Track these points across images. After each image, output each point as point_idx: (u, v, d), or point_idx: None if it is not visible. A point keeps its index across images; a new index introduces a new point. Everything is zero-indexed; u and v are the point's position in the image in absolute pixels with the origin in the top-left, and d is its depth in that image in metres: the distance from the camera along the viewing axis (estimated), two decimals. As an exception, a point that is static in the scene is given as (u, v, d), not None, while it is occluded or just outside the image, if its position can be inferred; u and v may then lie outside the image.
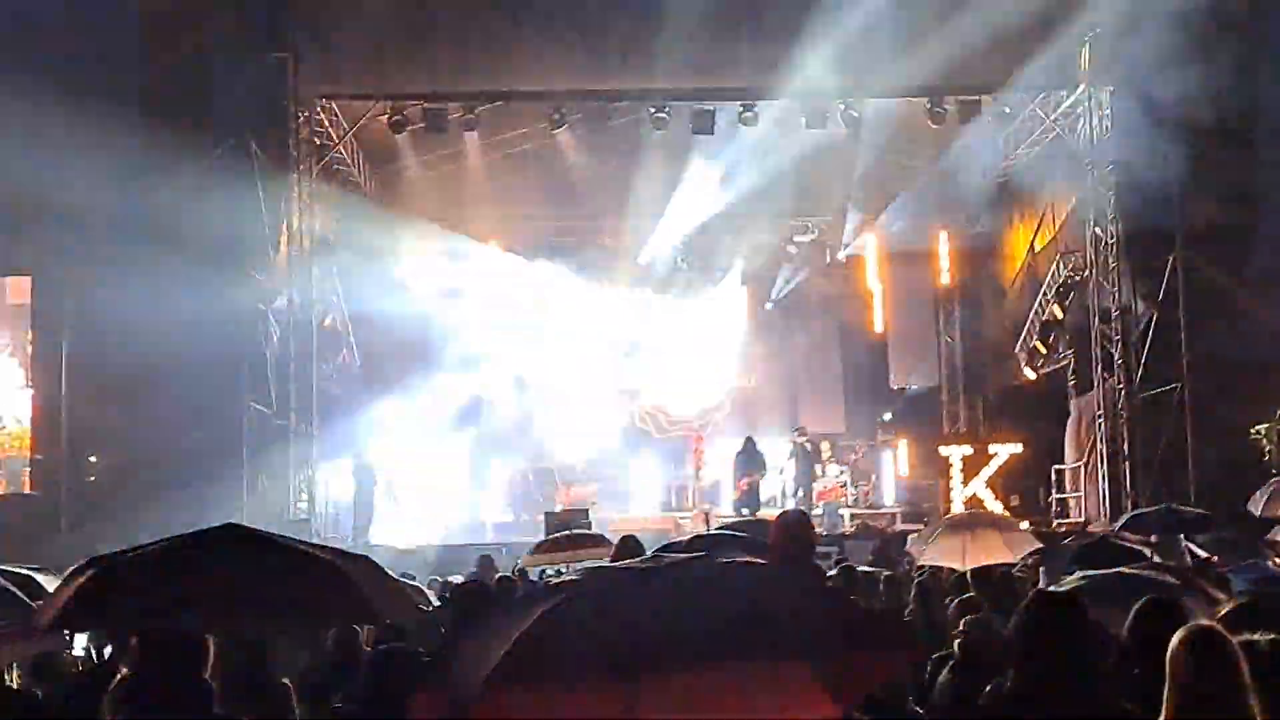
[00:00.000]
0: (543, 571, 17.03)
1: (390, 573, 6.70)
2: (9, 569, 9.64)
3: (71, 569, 5.98)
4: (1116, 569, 8.31)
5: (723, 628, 3.68)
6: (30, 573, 9.56)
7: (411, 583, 13.52)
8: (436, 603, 13.35)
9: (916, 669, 8.66)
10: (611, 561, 9.19)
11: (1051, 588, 7.52)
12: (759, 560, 4.87)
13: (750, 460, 27.69)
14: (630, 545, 9.97)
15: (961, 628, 8.89)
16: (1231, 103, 23.43)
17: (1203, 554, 13.77)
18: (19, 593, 7.89)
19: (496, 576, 14.86)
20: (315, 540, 14.80)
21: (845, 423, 33.60)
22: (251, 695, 6.99)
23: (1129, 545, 10.68)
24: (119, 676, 6.05)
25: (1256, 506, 16.84)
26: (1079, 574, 8.74)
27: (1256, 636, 5.42)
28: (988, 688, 7.22)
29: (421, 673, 6.45)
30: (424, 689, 4.12)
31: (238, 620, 5.86)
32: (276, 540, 6.51)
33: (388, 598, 6.24)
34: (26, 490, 24.15)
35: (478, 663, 3.78)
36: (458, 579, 17.53)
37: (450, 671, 4.03)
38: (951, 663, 8.75)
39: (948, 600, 10.82)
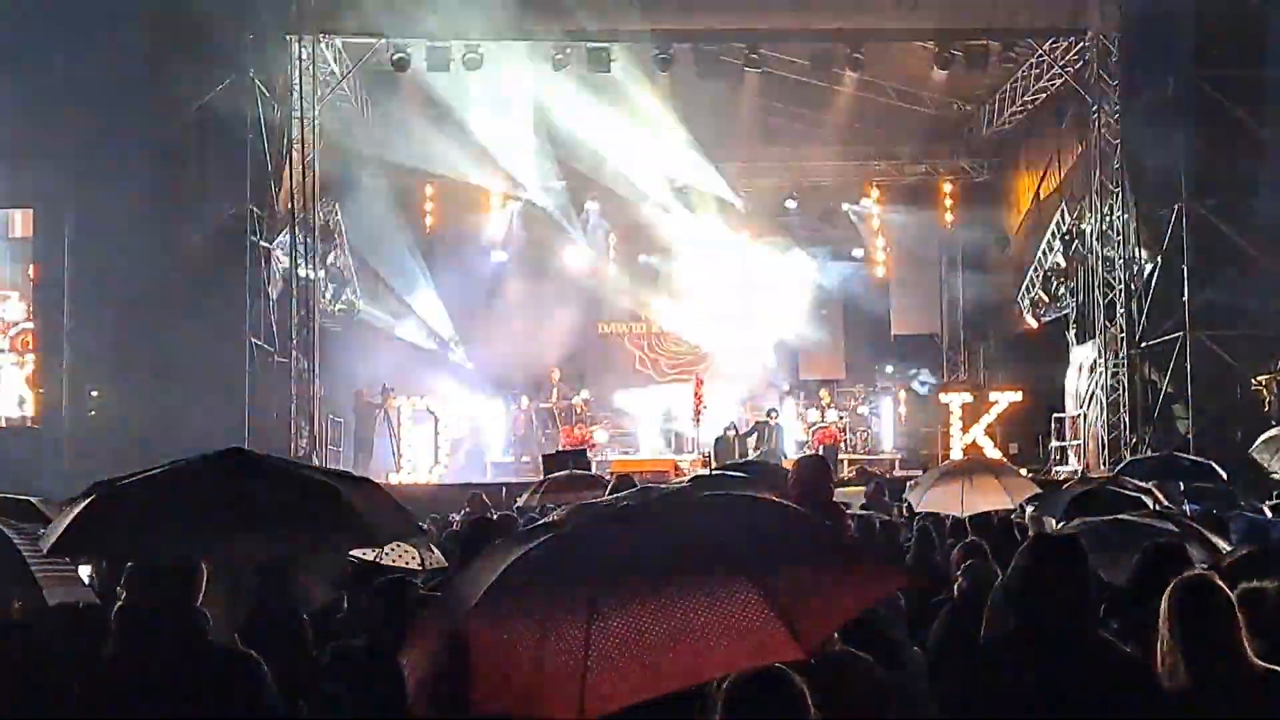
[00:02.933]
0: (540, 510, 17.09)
1: (391, 494, 6.70)
2: (10, 496, 9.67)
3: (77, 496, 5.98)
4: (1115, 516, 8.31)
5: (694, 554, 3.69)
6: (32, 500, 9.57)
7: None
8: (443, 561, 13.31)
9: (912, 608, 8.70)
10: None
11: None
12: (749, 493, 4.87)
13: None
14: (625, 486, 9.97)
15: (960, 570, 8.91)
16: (1239, 52, 23.32)
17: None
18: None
19: (499, 514, 14.87)
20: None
21: (845, 369, 33.59)
22: (269, 626, 7.02)
23: (1128, 492, 10.65)
24: (117, 604, 6.06)
25: (1265, 457, 16.75)
26: (1078, 520, 8.75)
27: (1266, 584, 5.44)
28: (984, 630, 7.29)
29: (415, 603, 6.50)
30: (423, 618, 4.19)
31: (237, 544, 5.84)
32: (279, 464, 6.52)
33: (388, 518, 6.25)
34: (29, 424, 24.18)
35: (467, 593, 3.85)
36: (455, 517, 17.62)
37: (446, 602, 4.11)
38: (950, 605, 8.77)
39: (949, 542, 10.83)
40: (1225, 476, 15.27)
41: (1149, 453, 21.65)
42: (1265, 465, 16.53)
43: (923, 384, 32.35)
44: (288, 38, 24.99)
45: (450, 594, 4.13)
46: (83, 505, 5.73)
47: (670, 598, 3.54)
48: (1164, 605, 5.02)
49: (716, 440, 27.85)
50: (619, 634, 3.48)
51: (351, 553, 8.53)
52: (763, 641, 3.50)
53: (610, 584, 3.62)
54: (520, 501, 17.94)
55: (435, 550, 10.53)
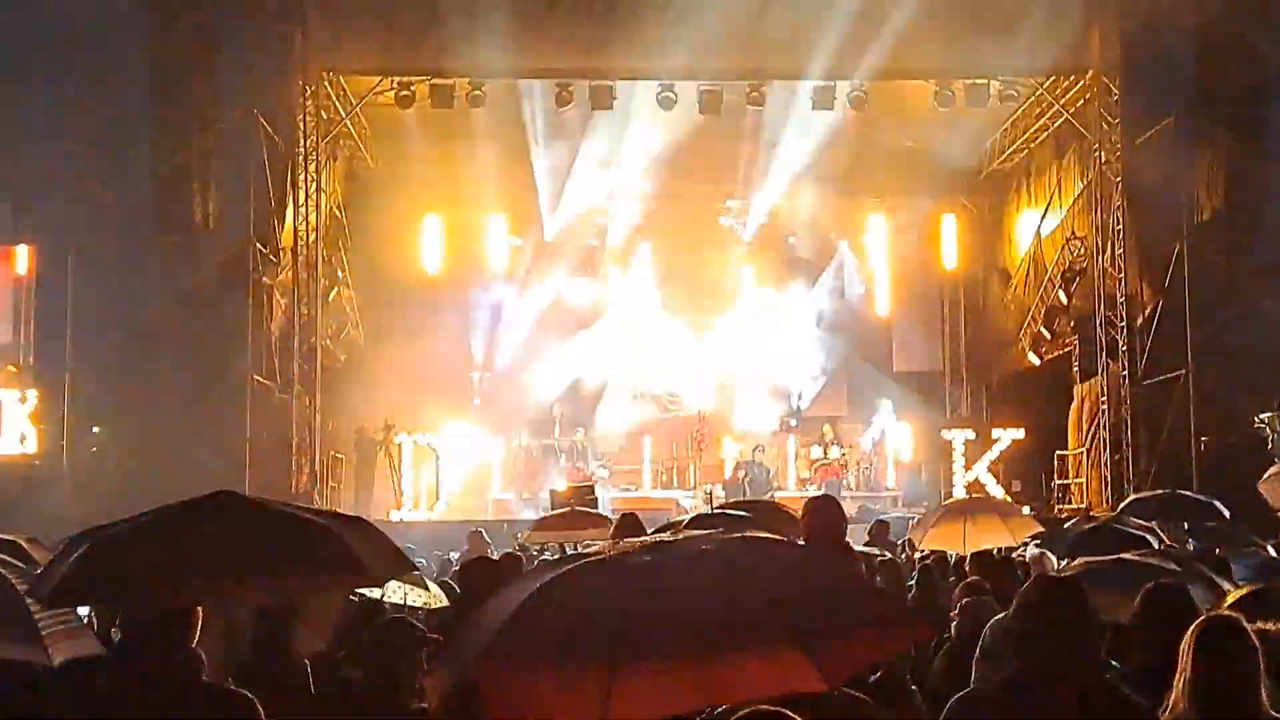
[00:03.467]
0: (542, 549, 17.11)
1: (385, 534, 6.68)
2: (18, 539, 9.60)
3: (67, 541, 5.95)
4: (1116, 556, 8.30)
5: (707, 603, 3.72)
6: (18, 540, 9.48)
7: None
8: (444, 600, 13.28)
9: (916, 651, 8.66)
10: (611, 539, 9.20)
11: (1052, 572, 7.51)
12: (758, 535, 4.90)
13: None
14: (630, 523, 9.95)
15: (956, 611, 8.89)
16: (1241, 91, 23.40)
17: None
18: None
19: (502, 553, 14.85)
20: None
21: (846, 405, 33.54)
22: (266, 668, 7.00)
23: (1132, 531, 10.64)
24: (114, 645, 6.03)
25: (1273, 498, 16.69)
26: (1080, 560, 8.74)
27: (1269, 625, 5.40)
28: (975, 672, 7.26)
29: (424, 642, 6.49)
30: (434, 662, 4.19)
31: (230, 590, 5.82)
32: (271, 506, 6.49)
33: (383, 559, 6.23)
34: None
35: (480, 634, 3.87)
36: (454, 555, 17.60)
37: (458, 643, 4.11)
38: (948, 645, 8.75)
39: (951, 580, 10.81)
40: (1229, 514, 15.23)
41: (1152, 491, 21.59)
42: (1271, 502, 16.50)
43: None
44: (292, 75, 25.06)
45: (462, 635, 4.13)
46: (76, 554, 5.70)
47: (692, 629, 3.59)
48: (1186, 643, 4.96)
49: (726, 481, 27.82)
50: (641, 664, 3.51)
51: (356, 590, 8.52)
52: (784, 670, 3.56)
53: (631, 620, 3.64)
54: (521, 538, 17.95)
55: (434, 587, 10.52)
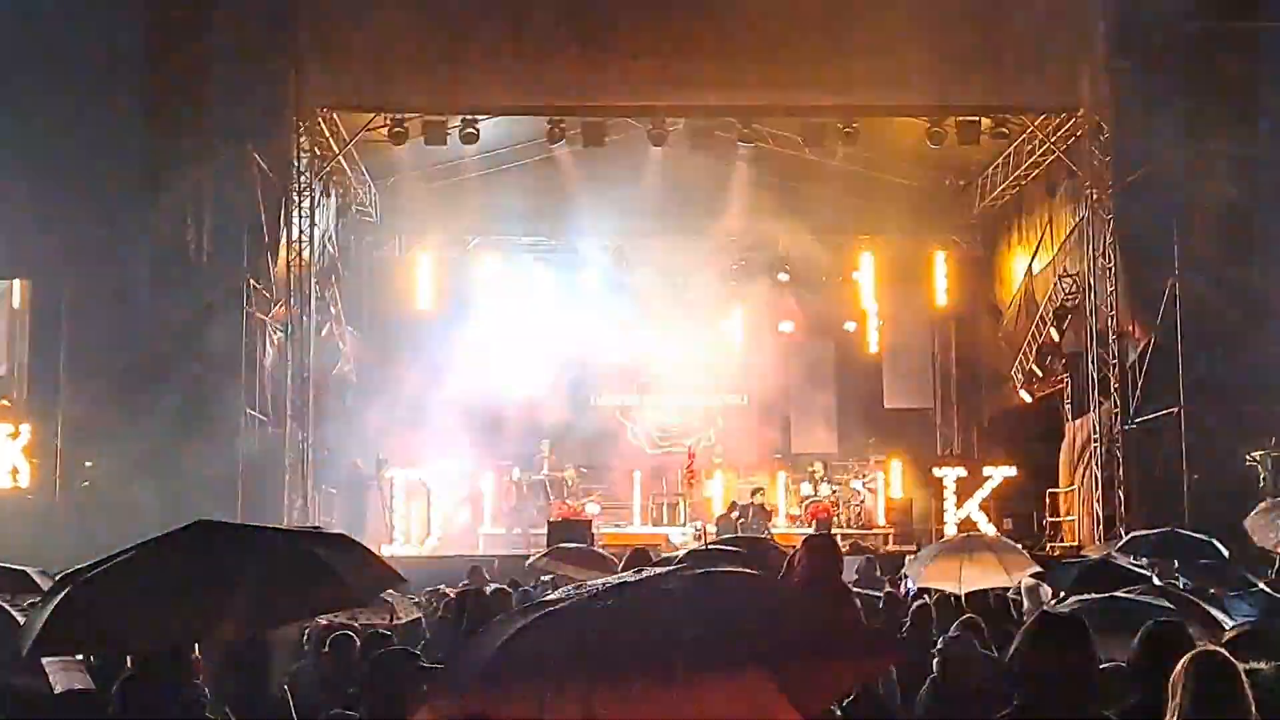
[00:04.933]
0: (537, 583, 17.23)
1: (368, 548, 6.63)
2: (7, 566, 9.62)
3: (48, 589, 5.90)
4: (1111, 594, 8.31)
5: (690, 633, 3.79)
6: (29, 571, 9.52)
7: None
8: (416, 613, 13.30)
9: (906, 685, 8.68)
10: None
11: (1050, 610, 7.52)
12: (745, 570, 4.98)
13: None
14: (639, 559, 9.96)
15: (940, 646, 8.90)
16: (1232, 127, 23.53)
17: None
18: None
19: (491, 588, 14.85)
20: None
21: (837, 443, 33.54)
22: (250, 702, 6.98)
23: (1131, 568, 10.66)
24: (118, 682, 6.02)
25: (1258, 535, 16.72)
26: (1074, 599, 8.75)
27: (1260, 665, 5.43)
28: (964, 706, 7.26)
29: (417, 675, 6.47)
30: (430, 692, 4.24)
31: (217, 624, 5.77)
32: (248, 533, 6.41)
33: (365, 578, 6.17)
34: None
35: (472, 668, 3.95)
36: (449, 590, 17.57)
37: (450, 676, 4.16)
38: (931, 680, 8.76)
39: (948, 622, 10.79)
40: (1227, 554, 15.24)
41: (1143, 530, 21.59)
42: (1253, 537, 16.54)
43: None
44: (286, 110, 25.13)
45: (455, 668, 4.17)
46: (56, 600, 5.66)
47: (673, 664, 3.64)
48: (1176, 678, 5.02)
49: (719, 518, 27.79)
50: (625, 698, 3.58)
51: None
52: (763, 706, 3.60)
53: (612, 655, 3.73)
54: (530, 562, 18.03)
55: (404, 602, 10.52)
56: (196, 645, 5.69)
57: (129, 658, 5.89)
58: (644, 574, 4.38)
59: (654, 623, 3.83)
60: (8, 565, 9.67)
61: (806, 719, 3.62)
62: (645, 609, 3.91)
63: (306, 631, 9.64)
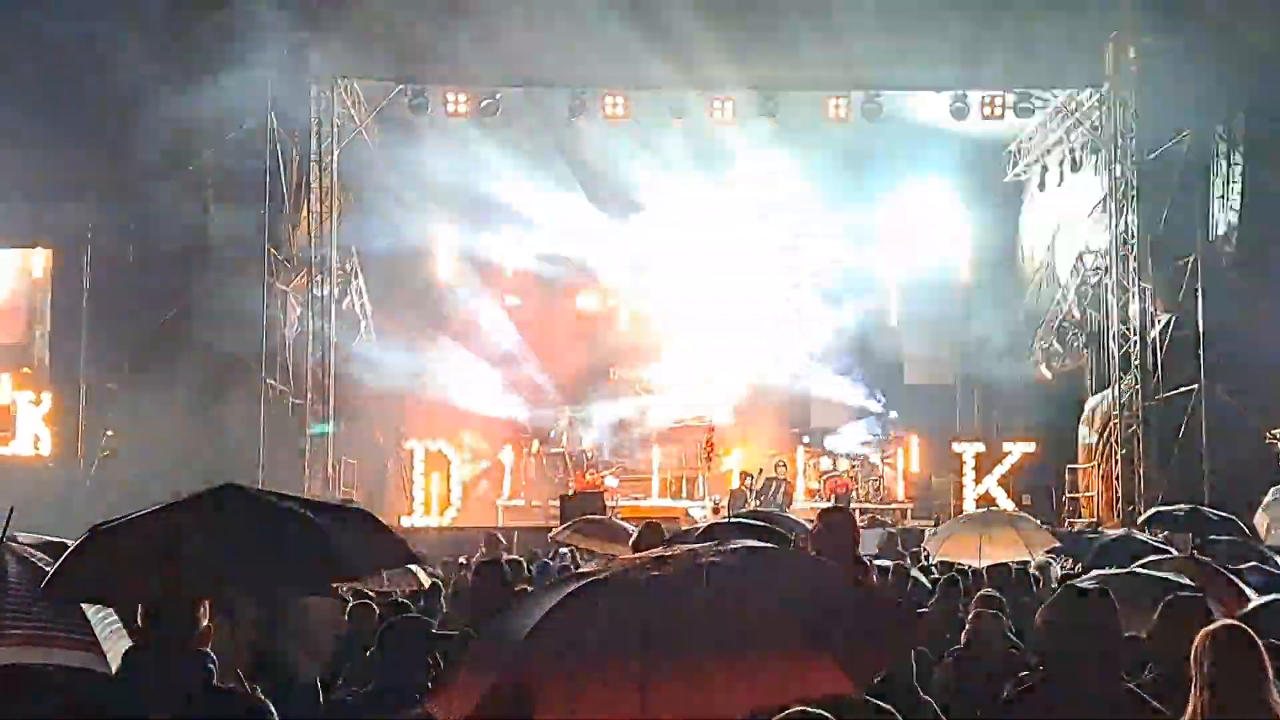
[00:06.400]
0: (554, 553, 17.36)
1: (383, 523, 6.65)
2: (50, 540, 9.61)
3: (77, 540, 5.93)
4: (1130, 569, 8.30)
5: (731, 612, 3.79)
6: (66, 542, 9.51)
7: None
8: (425, 582, 13.35)
9: (928, 659, 8.68)
10: (633, 548, 9.21)
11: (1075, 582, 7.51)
12: (767, 545, 4.99)
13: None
14: (651, 534, 9.93)
15: (970, 621, 8.90)
16: (1256, 106, 23.41)
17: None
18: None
19: (507, 559, 14.88)
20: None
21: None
22: (263, 670, 6.99)
23: (1150, 543, 10.65)
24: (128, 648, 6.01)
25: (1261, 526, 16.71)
26: (1094, 572, 8.73)
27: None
28: (990, 681, 7.26)
29: (432, 643, 6.47)
30: (458, 664, 4.22)
31: (233, 588, 5.78)
32: (274, 502, 6.45)
33: (383, 548, 6.18)
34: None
35: (508, 638, 3.92)
36: (464, 559, 17.65)
37: (483, 648, 4.14)
38: (955, 654, 8.75)
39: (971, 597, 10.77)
40: (1249, 532, 15.21)
41: (1165, 506, 21.52)
42: (1260, 533, 16.50)
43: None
44: (306, 81, 25.13)
45: (489, 639, 4.16)
46: (74, 548, 5.69)
47: (721, 636, 3.66)
48: (1198, 649, 5.03)
49: (732, 492, 27.80)
50: (674, 670, 3.59)
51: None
52: (816, 675, 3.65)
53: (660, 627, 3.71)
54: (553, 535, 18.07)
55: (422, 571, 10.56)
56: (208, 613, 5.66)
57: (138, 617, 5.87)
58: (679, 548, 4.38)
59: (703, 596, 3.83)
60: (51, 539, 9.65)
61: (858, 687, 3.74)
62: (692, 582, 3.91)
63: (349, 607, 9.68)
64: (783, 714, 3.88)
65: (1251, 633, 5.10)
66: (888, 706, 5.35)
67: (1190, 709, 4.96)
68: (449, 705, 3.90)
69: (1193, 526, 15.11)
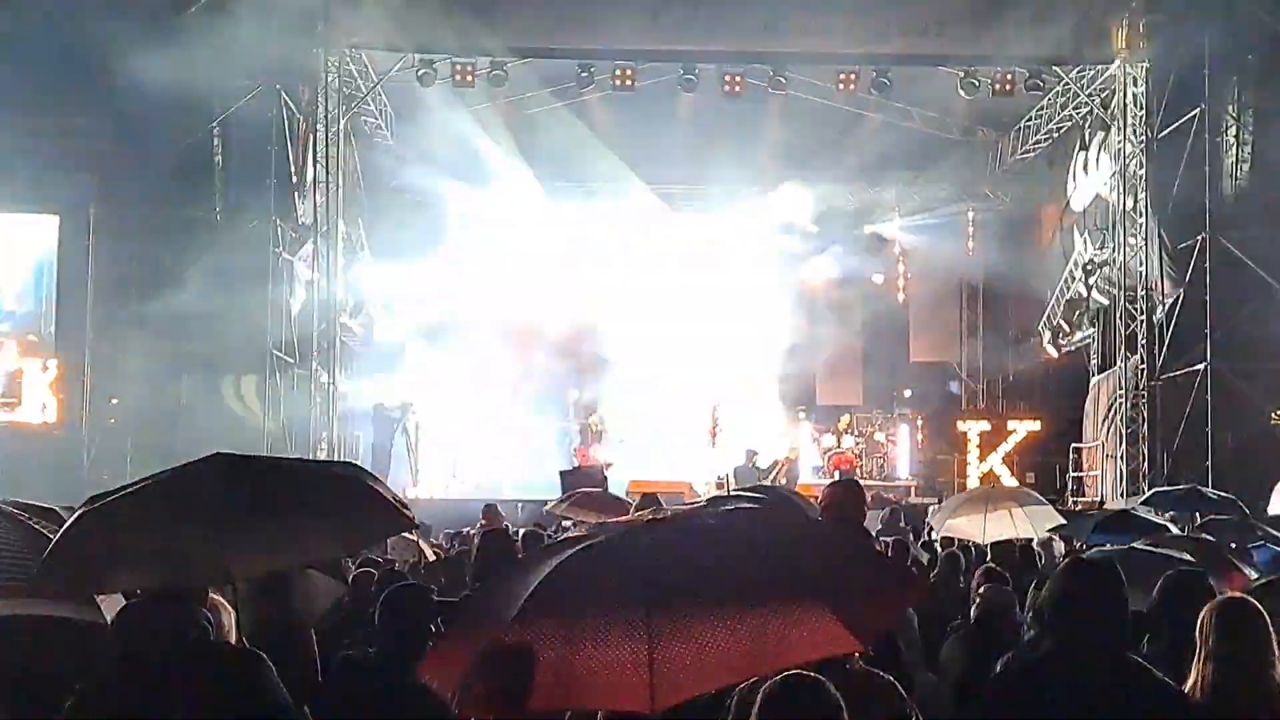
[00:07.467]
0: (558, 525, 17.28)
1: (380, 480, 6.60)
2: (36, 504, 9.61)
3: (65, 525, 5.89)
4: (1131, 545, 8.30)
5: (734, 574, 3.82)
6: (55, 508, 9.51)
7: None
8: (428, 552, 13.35)
9: (931, 633, 8.68)
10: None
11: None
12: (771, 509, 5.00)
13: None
14: (650, 503, 9.96)
15: (980, 594, 8.88)
16: (1267, 84, 23.32)
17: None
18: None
19: (508, 528, 14.86)
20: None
21: (862, 395, 33.50)
22: (272, 636, 6.98)
23: (1149, 520, 10.64)
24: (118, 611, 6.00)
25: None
26: (1095, 549, 8.73)
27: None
28: (1001, 655, 7.25)
29: (435, 610, 6.47)
30: (454, 627, 4.22)
31: (233, 562, 5.74)
32: (269, 466, 6.40)
33: (383, 514, 6.15)
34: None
35: (507, 602, 3.91)
36: (467, 530, 17.65)
37: (481, 611, 4.13)
38: (963, 628, 8.74)
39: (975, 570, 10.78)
40: (1248, 511, 15.16)
41: (1168, 485, 21.50)
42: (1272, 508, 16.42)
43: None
44: (314, 50, 25.07)
45: (485, 603, 4.16)
46: (66, 529, 5.67)
47: (728, 595, 3.69)
48: (1202, 623, 5.07)
49: (737, 469, 27.79)
50: (681, 629, 3.60)
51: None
52: (823, 635, 3.68)
53: (666, 585, 3.72)
54: (548, 508, 18.02)
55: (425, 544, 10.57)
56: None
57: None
58: (678, 509, 4.38)
59: (706, 554, 3.85)
60: (37, 503, 9.64)
61: (864, 647, 3.85)
62: (693, 541, 3.92)
63: (352, 575, 9.68)
64: (779, 676, 3.86)
65: (1259, 605, 5.11)
66: (888, 676, 5.35)
67: (1192, 680, 4.97)
68: (443, 669, 3.89)
69: (1191, 506, 15.09)
